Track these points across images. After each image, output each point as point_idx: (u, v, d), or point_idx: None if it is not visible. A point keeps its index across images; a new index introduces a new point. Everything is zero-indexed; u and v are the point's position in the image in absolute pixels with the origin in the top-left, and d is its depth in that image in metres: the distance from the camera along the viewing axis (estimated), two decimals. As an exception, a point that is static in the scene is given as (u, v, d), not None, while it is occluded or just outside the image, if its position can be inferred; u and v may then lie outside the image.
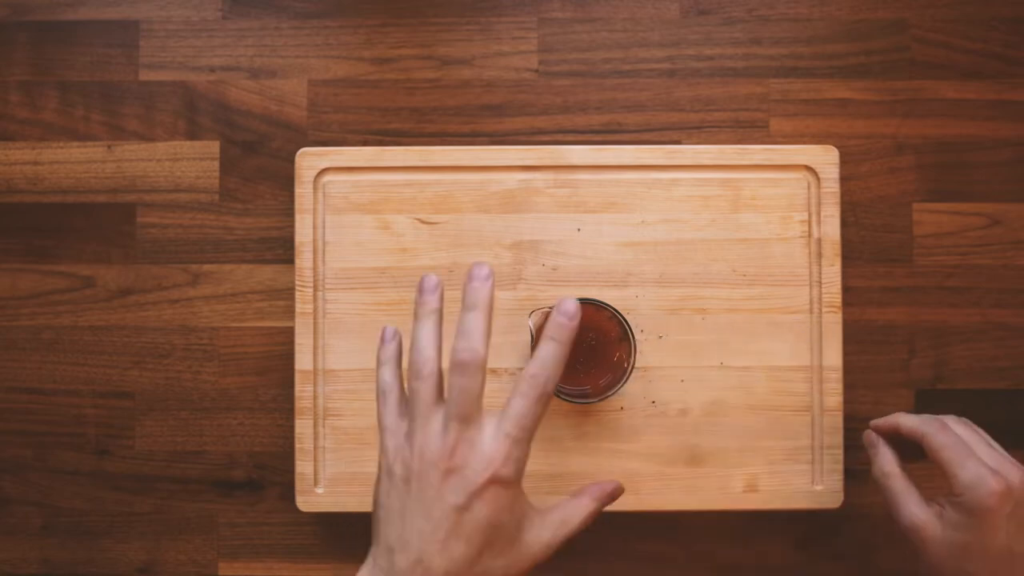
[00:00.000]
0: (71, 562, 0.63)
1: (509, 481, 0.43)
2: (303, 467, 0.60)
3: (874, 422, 0.55)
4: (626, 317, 0.56)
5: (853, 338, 0.62)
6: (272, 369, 0.63)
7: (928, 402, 0.63)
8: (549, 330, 0.44)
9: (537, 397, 0.43)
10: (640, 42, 0.64)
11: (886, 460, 0.52)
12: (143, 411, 0.63)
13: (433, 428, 0.43)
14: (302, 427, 0.60)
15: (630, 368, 0.56)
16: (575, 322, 0.44)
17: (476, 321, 0.43)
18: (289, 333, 0.62)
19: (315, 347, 0.61)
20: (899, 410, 0.63)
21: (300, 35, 0.65)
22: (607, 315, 0.57)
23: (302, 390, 0.60)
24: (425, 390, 0.44)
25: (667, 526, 0.63)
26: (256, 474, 0.63)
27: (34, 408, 0.64)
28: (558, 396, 0.57)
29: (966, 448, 0.48)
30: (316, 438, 0.60)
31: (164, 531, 0.63)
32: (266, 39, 0.65)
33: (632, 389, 0.60)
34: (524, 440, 0.43)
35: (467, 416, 0.43)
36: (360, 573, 0.44)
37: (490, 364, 0.60)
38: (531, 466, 0.60)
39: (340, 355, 0.60)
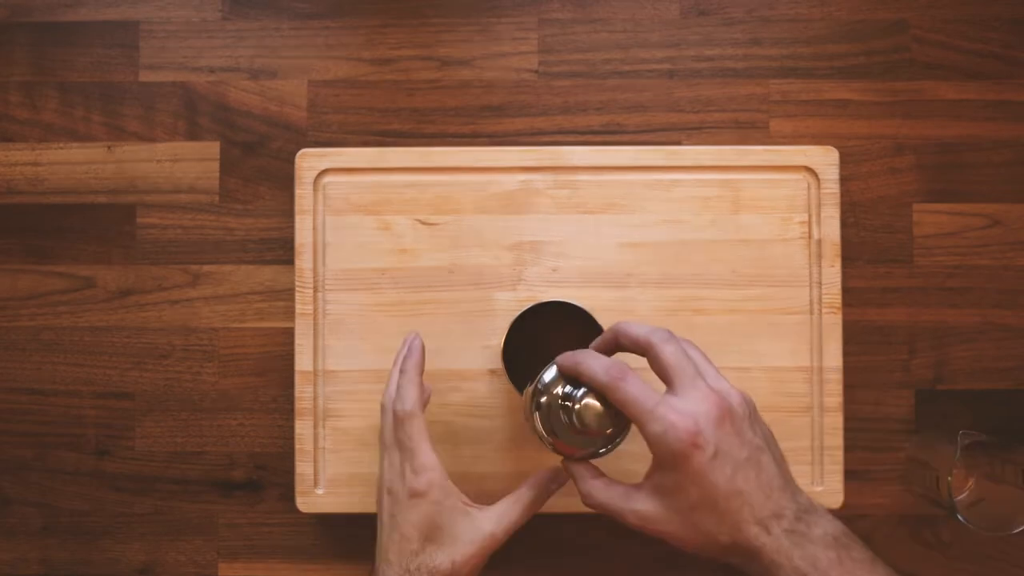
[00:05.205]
0: (71, 562, 0.63)
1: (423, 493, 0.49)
2: (303, 468, 0.60)
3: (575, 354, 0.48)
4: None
5: (853, 338, 0.62)
6: (272, 370, 0.63)
7: (928, 402, 0.63)
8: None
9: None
10: (640, 43, 0.64)
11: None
12: (143, 412, 0.63)
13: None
14: (302, 428, 0.60)
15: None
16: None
17: (407, 385, 0.51)
18: (289, 334, 0.62)
19: (315, 348, 0.60)
20: (900, 411, 0.63)
21: (300, 36, 0.65)
22: None
23: (302, 391, 0.60)
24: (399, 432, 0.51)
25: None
26: (256, 475, 0.63)
27: (34, 408, 0.64)
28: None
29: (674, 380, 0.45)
30: (316, 439, 0.60)
31: (164, 532, 0.63)
32: (266, 40, 0.65)
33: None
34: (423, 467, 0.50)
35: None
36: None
37: (496, 365, 0.60)
38: (532, 467, 0.60)
39: (340, 356, 0.60)
